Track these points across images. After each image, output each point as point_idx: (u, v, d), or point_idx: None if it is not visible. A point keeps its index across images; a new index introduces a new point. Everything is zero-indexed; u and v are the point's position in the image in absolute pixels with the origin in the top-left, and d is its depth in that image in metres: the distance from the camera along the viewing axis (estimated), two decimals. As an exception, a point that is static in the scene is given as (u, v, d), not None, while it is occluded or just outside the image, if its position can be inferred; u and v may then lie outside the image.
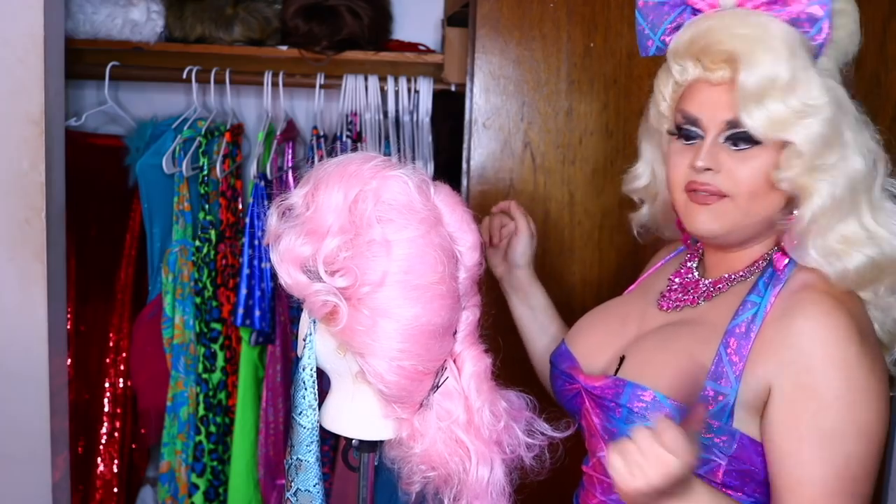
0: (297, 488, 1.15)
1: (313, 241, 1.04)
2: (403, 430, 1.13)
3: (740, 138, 1.10)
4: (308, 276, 1.06)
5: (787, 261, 1.15)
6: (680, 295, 1.24)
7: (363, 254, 1.04)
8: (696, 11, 1.15)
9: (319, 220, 1.04)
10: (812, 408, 1.05)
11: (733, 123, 1.10)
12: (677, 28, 1.16)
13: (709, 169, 1.11)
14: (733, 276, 1.19)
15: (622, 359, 1.21)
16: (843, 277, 1.11)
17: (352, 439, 1.17)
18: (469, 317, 1.14)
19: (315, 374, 1.13)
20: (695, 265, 1.27)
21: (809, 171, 1.08)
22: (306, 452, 1.14)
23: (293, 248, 1.05)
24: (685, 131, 1.14)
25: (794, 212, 1.12)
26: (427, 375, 1.10)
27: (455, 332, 1.13)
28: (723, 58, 1.09)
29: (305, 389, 1.13)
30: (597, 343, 1.29)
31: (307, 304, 1.09)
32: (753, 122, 1.07)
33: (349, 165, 1.07)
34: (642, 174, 1.31)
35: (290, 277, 1.06)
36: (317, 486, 1.14)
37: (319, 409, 1.16)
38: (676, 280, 1.28)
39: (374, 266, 1.03)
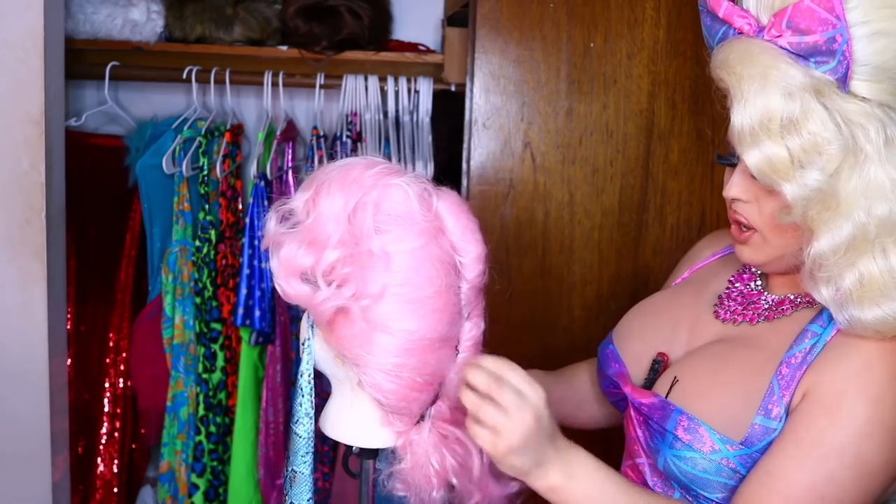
0: (291, 502, 1.13)
1: (314, 252, 1.03)
2: (398, 440, 1.11)
3: None
4: (308, 284, 1.04)
5: None
6: (739, 307, 1.19)
7: (362, 266, 1.02)
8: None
9: (319, 229, 1.03)
10: (823, 423, 1.02)
11: None
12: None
13: (738, 199, 1.07)
14: (798, 299, 1.13)
15: (675, 380, 1.15)
16: (853, 326, 1.01)
17: (352, 446, 1.15)
18: (472, 328, 1.12)
19: (313, 382, 1.12)
20: (758, 272, 1.22)
21: (806, 218, 1.00)
22: (301, 463, 1.11)
23: (294, 258, 1.03)
24: (729, 151, 1.09)
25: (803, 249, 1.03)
26: (426, 387, 1.08)
27: (457, 345, 1.10)
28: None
29: (303, 397, 1.11)
30: (646, 349, 1.25)
31: (311, 311, 1.07)
32: (752, 162, 0.99)
33: (351, 171, 1.05)
34: None
35: (289, 287, 1.04)
36: (310, 500, 1.12)
37: (319, 414, 1.14)
38: (737, 286, 1.22)
39: (373, 279, 1.02)
